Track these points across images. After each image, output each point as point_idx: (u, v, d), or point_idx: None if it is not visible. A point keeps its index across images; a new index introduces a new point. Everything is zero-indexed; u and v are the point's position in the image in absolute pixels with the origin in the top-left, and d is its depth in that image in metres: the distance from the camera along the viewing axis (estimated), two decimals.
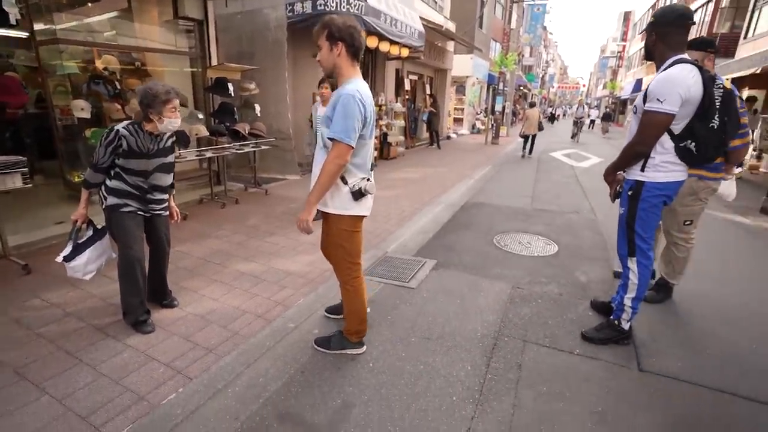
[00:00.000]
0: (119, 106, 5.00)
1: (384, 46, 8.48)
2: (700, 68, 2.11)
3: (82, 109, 4.64)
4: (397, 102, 11.31)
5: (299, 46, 7.69)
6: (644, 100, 2.17)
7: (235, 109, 5.80)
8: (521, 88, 31.86)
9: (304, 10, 7.02)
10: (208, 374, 2.13)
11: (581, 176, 8.72)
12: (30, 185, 3.31)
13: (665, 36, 2.20)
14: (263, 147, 5.94)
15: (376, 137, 2.48)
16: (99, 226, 2.53)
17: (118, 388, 2.01)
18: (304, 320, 2.67)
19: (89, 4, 5.30)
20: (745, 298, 3.19)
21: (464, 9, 16.92)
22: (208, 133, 5.45)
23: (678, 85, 2.05)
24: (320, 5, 6.88)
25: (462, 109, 19.46)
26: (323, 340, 2.38)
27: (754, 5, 13.52)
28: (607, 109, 29.50)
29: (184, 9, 5.58)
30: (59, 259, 2.39)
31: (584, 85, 77.13)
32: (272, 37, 6.32)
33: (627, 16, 39.82)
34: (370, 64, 10.62)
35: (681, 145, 2.17)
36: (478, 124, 20.06)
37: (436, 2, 13.66)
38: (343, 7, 6.92)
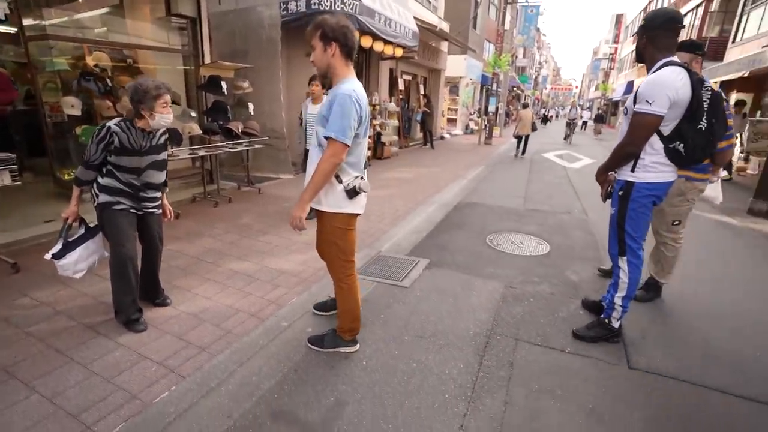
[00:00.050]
0: (110, 104, 4.95)
1: (378, 46, 8.49)
2: (689, 71, 2.15)
3: (72, 106, 4.59)
4: (390, 102, 11.33)
5: (293, 45, 7.67)
6: (634, 102, 2.21)
7: (228, 107, 5.77)
8: (514, 89, 32.06)
9: (298, 8, 7.00)
10: (201, 373, 2.12)
11: (573, 177, 8.81)
12: (19, 182, 3.27)
13: (655, 39, 2.24)
14: (257, 146, 5.92)
15: (369, 137, 2.50)
16: (91, 225, 2.50)
17: (110, 386, 2.00)
18: (297, 319, 2.67)
19: (80, 0, 5.24)
20: (732, 298, 3.25)
21: (458, 9, 16.99)
22: (201, 132, 5.42)
23: (667, 87, 2.09)
24: (314, 4, 6.87)
25: (455, 110, 19.52)
26: (316, 339, 2.39)
27: (743, 10, 13.75)
28: (600, 111, 29.80)
29: (177, 6, 5.55)
30: (48, 256, 2.36)
31: (577, 87, 77.80)
32: (266, 35, 6.30)
33: (619, 18, 40.31)
34: (364, 64, 10.61)
35: (670, 146, 2.21)
36: (472, 125, 20.15)
37: (430, 2, 13.70)
38: (338, 6, 6.92)
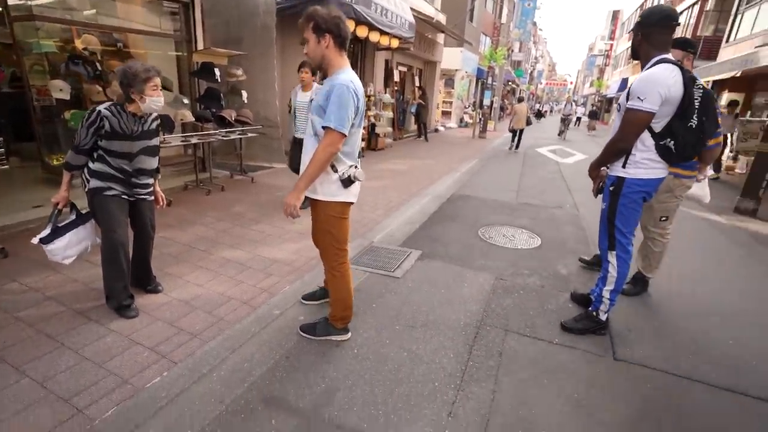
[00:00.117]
0: (100, 88, 4.85)
1: (374, 36, 8.41)
2: (682, 68, 2.18)
3: (60, 89, 4.50)
4: (385, 93, 11.27)
5: (288, 33, 7.57)
6: (627, 98, 2.24)
7: (221, 95, 5.70)
8: (510, 83, 32.06)
9: None
10: (193, 359, 2.13)
11: (566, 172, 8.88)
12: (6, 167, 3.22)
13: (650, 36, 2.26)
14: (250, 134, 5.87)
15: (364, 128, 2.51)
16: (83, 211, 2.48)
17: (102, 371, 2.00)
18: (289, 307, 2.69)
19: None
20: (717, 293, 3.33)
21: (455, 1, 16.86)
22: (193, 119, 5.35)
23: (659, 84, 2.11)
24: None
25: (450, 103, 19.50)
26: (308, 327, 2.41)
27: (737, 9, 13.85)
28: (594, 108, 29.92)
29: None
30: (35, 240, 2.32)
31: (572, 83, 78.00)
32: (261, 22, 6.19)
33: (615, 15, 40.30)
34: (360, 54, 10.52)
35: (661, 143, 2.24)
36: (466, 118, 20.16)
37: None
38: None
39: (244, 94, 6.13)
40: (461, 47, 17.40)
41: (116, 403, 1.81)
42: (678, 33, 2.45)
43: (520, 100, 12.89)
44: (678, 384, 2.20)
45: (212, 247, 3.60)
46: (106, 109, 2.26)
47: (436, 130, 16.42)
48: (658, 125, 2.22)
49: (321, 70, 2.10)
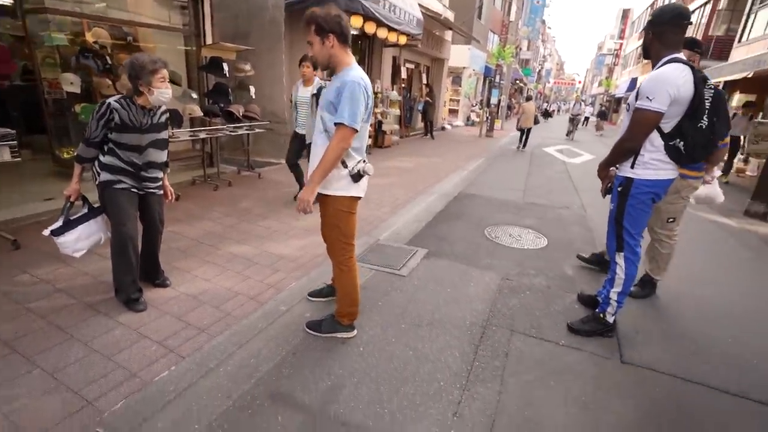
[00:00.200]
0: (110, 82, 4.88)
1: (382, 33, 8.39)
2: (693, 68, 2.15)
3: (71, 83, 4.53)
4: (393, 90, 11.24)
5: (296, 28, 7.55)
6: (636, 98, 2.22)
7: (229, 89, 5.71)
8: (517, 81, 31.84)
9: None
10: (201, 353, 2.15)
11: (573, 172, 8.82)
12: (19, 159, 3.24)
13: (661, 35, 2.23)
14: (257, 130, 5.88)
15: (370, 125, 2.53)
16: (95, 205, 2.50)
17: (111, 364, 2.02)
18: (296, 303, 2.70)
19: None
20: (726, 296, 3.30)
21: None
22: (201, 114, 5.37)
23: (668, 83, 2.09)
24: None
25: (458, 101, 19.41)
26: (314, 324, 2.42)
27: (750, 9, 13.64)
28: (603, 107, 29.65)
29: None
30: (46, 232, 2.35)
31: (580, 82, 77.33)
32: (269, 16, 6.20)
33: (626, 13, 39.86)
34: (367, 51, 10.50)
35: (670, 143, 2.21)
36: (473, 116, 20.06)
37: None
38: None
39: (252, 89, 6.15)
40: (469, 45, 17.28)
41: (125, 396, 1.83)
42: (689, 32, 2.41)
43: (529, 98, 12.83)
44: (687, 388, 2.18)
45: (220, 242, 3.62)
46: (116, 101, 2.28)
47: (443, 128, 16.36)
48: (667, 125, 2.20)
49: (329, 69, 2.12)
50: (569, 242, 4.29)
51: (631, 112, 2.27)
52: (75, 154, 2.38)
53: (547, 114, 30.57)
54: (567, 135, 17.14)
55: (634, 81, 25.60)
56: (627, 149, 2.30)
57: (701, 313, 2.99)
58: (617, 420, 1.93)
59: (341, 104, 1.94)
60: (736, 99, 11.81)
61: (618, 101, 34.01)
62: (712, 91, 2.18)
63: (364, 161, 2.14)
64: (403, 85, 12.63)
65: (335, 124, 1.96)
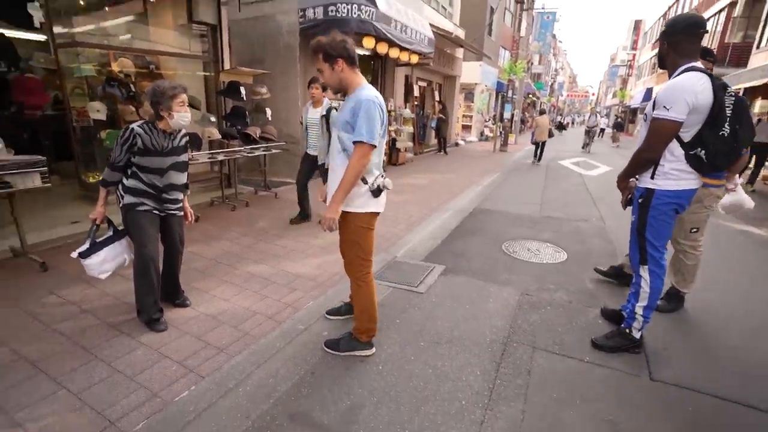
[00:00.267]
0: (133, 108, 5.09)
1: (394, 53, 8.55)
2: (711, 76, 2.11)
3: (98, 110, 4.75)
4: (406, 108, 11.38)
5: (310, 53, 7.77)
6: (653, 108, 2.19)
7: (246, 112, 5.88)
8: (530, 95, 31.83)
9: (316, 16, 7.10)
10: (220, 373, 2.15)
11: (590, 184, 8.68)
12: (49, 185, 3.38)
13: (677, 44, 2.22)
14: (274, 151, 6.00)
15: (386, 142, 2.58)
16: (120, 228, 2.58)
17: (133, 384, 2.04)
18: (313, 322, 2.69)
19: (106, 8, 5.43)
20: (758, 309, 3.15)
21: (474, 16, 17.00)
22: (220, 136, 5.53)
23: (685, 92, 2.06)
24: (331, 11, 6.96)
25: (470, 116, 19.48)
26: (333, 342, 2.40)
27: None
28: (618, 119, 29.24)
29: (198, 14, 5.70)
30: (74, 254, 2.43)
31: (593, 94, 76.83)
32: (284, 42, 6.40)
33: (637, 24, 39.74)
34: (380, 70, 10.69)
35: (691, 152, 2.16)
36: (487, 132, 20.07)
37: (445, 9, 13.75)
38: (354, 13, 7.00)
39: (269, 111, 6.31)
40: (480, 61, 17.45)
41: (146, 417, 1.84)
42: (705, 41, 2.38)
43: (542, 112, 12.79)
44: (723, 407, 2.07)
45: (237, 262, 3.66)
46: (138, 126, 2.37)
47: (457, 144, 16.40)
48: (687, 134, 2.16)
49: (341, 92, 2.18)
50: (589, 255, 4.20)
51: (649, 122, 2.24)
52: (100, 178, 2.48)
53: (561, 126, 30.32)
54: (583, 147, 16.92)
55: (649, 91, 25.32)
56: (645, 160, 2.26)
57: (733, 326, 2.86)
58: None
59: (358, 122, 1.99)
60: (759, 105, 11.51)
61: (633, 112, 33.58)
62: (733, 98, 2.14)
63: (383, 176, 2.17)
64: (416, 103, 12.78)
65: (354, 142, 2.00)
